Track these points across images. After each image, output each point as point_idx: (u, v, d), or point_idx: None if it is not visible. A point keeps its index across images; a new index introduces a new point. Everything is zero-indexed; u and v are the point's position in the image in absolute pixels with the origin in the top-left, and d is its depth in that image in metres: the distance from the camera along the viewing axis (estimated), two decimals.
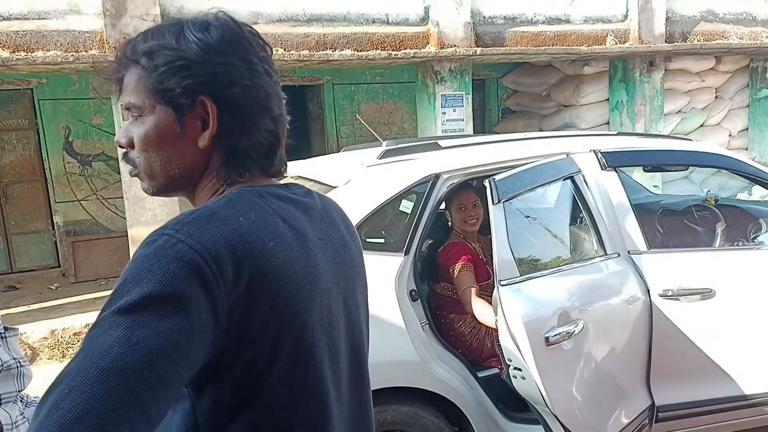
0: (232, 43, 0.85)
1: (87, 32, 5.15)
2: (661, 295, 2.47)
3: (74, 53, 5.00)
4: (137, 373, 0.66)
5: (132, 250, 5.48)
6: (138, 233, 5.45)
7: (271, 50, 0.91)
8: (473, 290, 2.69)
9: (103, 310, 0.71)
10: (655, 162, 3.06)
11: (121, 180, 5.59)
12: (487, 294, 2.70)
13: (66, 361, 4.43)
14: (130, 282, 0.71)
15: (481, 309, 2.62)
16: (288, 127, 0.93)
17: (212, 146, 0.86)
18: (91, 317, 5.35)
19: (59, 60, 4.92)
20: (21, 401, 1.22)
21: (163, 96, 0.84)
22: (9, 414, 1.14)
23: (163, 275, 0.71)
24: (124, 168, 5.41)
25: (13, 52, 4.92)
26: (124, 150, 0.91)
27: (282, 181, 0.95)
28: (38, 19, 5.01)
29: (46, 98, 7.06)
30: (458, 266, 2.78)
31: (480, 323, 2.80)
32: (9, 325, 1.22)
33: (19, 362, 1.18)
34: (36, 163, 7.21)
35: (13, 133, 7.10)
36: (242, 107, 0.85)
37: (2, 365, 1.13)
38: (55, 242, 7.34)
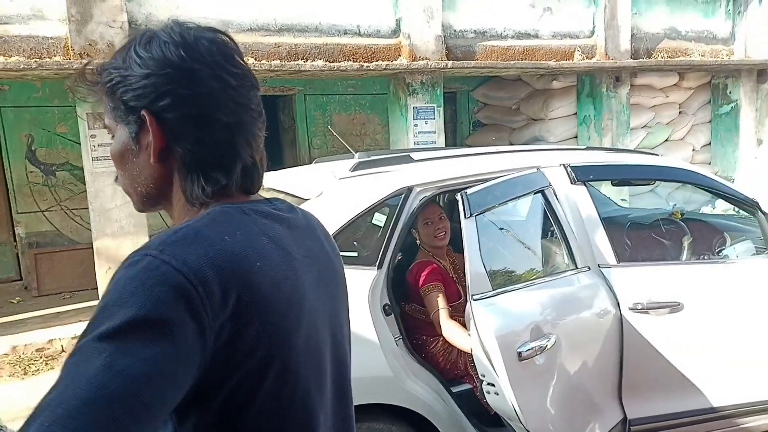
0: (169, 53, 0.81)
1: (51, 38, 5.02)
2: (631, 309, 2.49)
3: (38, 59, 4.87)
4: (122, 403, 0.62)
5: (97, 263, 5.34)
6: (104, 245, 5.31)
7: (236, 54, 0.86)
8: (444, 312, 2.64)
9: (83, 336, 0.67)
10: (623, 176, 3.11)
11: (86, 190, 5.44)
12: (458, 314, 2.67)
13: (28, 379, 4.25)
14: (112, 306, 0.68)
15: (453, 333, 2.58)
16: (259, 133, 0.87)
17: (168, 162, 0.83)
18: (55, 332, 5.20)
19: (22, 66, 4.79)
20: None
21: (116, 115, 0.84)
22: None
23: (148, 298, 0.68)
24: (90, 178, 5.28)
25: None
26: None
27: (264, 196, 0.92)
28: None
29: (7, 105, 6.87)
30: (427, 287, 2.72)
31: (452, 345, 2.78)
32: None
33: None
34: None
35: None
36: (180, 118, 0.81)
37: None
38: (17, 254, 7.11)
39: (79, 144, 5.49)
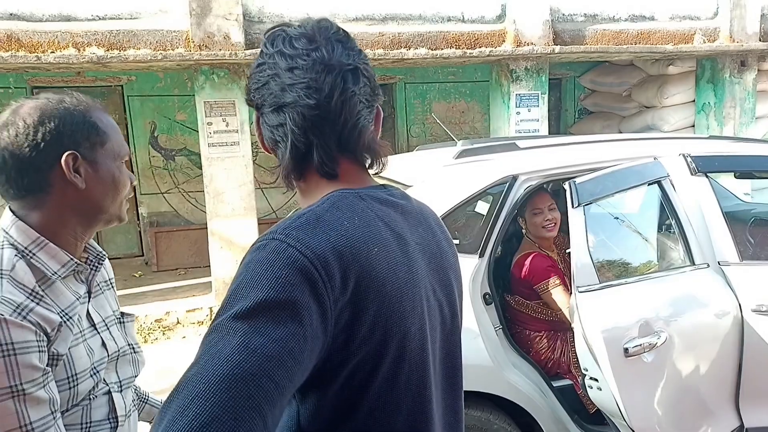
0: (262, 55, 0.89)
1: (174, 31, 5.38)
2: (754, 311, 2.32)
3: (162, 51, 5.24)
4: (256, 381, 0.66)
5: (211, 242, 5.70)
6: (217, 226, 5.65)
7: (289, 40, 0.87)
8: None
9: (218, 315, 0.72)
10: (749, 168, 2.88)
11: (202, 174, 5.81)
12: None
13: (148, 347, 4.59)
14: (245, 287, 0.72)
15: None
16: (358, 108, 0.87)
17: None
18: (171, 305, 5.61)
19: (149, 58, 5.17)
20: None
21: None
22: (125, 403, 1.16)
23: (276, 281, 0.71)
24: (206, 163, 5.62)
25: (108, 50, 5.21)
26: None
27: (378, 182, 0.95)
28: (130, 18, 5.28)
29: (134, 95, 7.44)
30: (546, 283, 2.63)
31: (556, 344, 2.70)
32: (125, 311, 1.27)
33: (134, 348, 1.22)
34: None
35: None
36: (268, 106, 0.88)
37: (118, 351, 1.16)
38: (140, 232, 7.73)
39: (197, 131, 5.86)
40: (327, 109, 0.84)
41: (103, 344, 1.12)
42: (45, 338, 0.97)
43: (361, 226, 0.81)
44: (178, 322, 5.46)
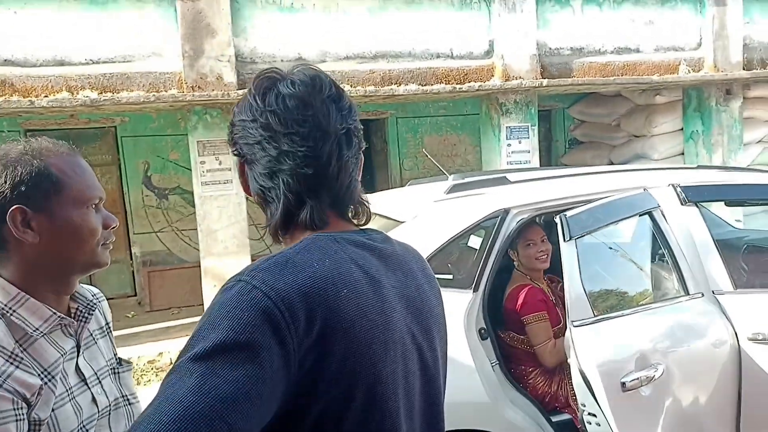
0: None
1: (167, 73, 5.45)
2: (750, 339, 2.31)
3: (156, 93, 5.29)
4: (207, 422, 0.67)
5: (204, 280, 5.66)
6: (210, 264, 5.63)
7: (282, 100, 0.88)
8: (551, 344, 2.57)
9: (180, 356, 0.73)
10: (739, 196, 2.90)
11: (195, 213, 5.81)
12: (558, 340, 2.57)
13: (141, 389, 4.52)
14: (207, 328, 0.73)
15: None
16: (350, 169, 0.90)
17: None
18: (164, 346, 5.54)
19: (142, 100, 5.22)
20: None
21: None
22: None
23: (237, 322, 0.72)
24: (198, 201, 5.62)
25: (101, 93, 5.26)
26: None
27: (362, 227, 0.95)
28: (123, 62, 5.34)
29: (127, 135, 7.48)
30: (532, 316, 2.61)
31: (553, 377, 2.67)
32: (124, 358, 1.21)
33: (128, 399, 1.16)
34: (117, 197, 7.62)
35: (98, 168, 7.53)
36: (262, 168, 0.90)
37: (109, 405, 1.11)
38: (133, 272, 7.68)
39: (190, 170, 5.88)
40: (324, 176, 0.87)
41: (93, 400, 1.07)
42: (24, 405, 0.92)
43: (330, 268, 0.81)
44: (170, 363, 5.37)
